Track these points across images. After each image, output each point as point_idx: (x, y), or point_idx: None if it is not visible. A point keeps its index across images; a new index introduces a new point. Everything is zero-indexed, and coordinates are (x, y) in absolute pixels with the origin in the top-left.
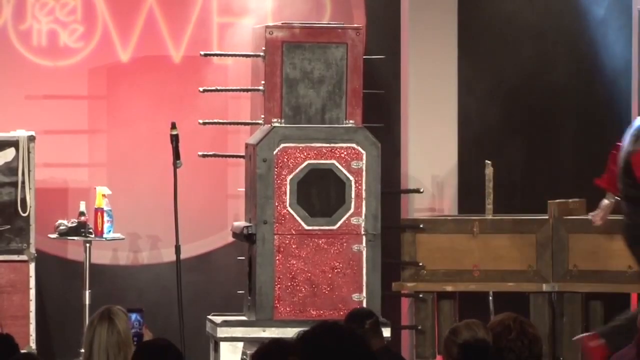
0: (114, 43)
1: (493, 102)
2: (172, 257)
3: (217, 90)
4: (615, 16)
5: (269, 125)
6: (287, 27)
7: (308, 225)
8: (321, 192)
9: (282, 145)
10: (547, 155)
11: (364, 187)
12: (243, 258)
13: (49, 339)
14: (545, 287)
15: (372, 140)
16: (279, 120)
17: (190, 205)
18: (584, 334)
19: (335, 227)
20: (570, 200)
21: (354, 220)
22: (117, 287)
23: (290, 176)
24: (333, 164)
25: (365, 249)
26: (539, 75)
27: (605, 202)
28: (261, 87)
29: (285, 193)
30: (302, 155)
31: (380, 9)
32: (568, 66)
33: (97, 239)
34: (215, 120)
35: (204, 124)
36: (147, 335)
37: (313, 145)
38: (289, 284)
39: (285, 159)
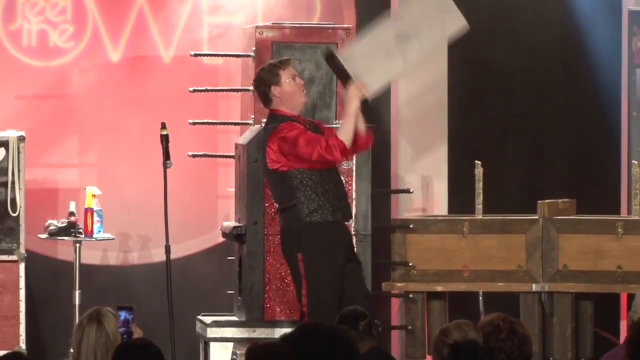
0: (104, 43)
1: (483, 103)
2: (162, 257)
3: (207, 90)
4: (606, 15)
5: (259, 125)
6: (277, 27)
7: None
8: None
9: None
10: (537, 156)
11: (354, 188)
12: (233, 258)
13: (39, 339)
14: (535, 287)
15: None
16: None
17: (180, 205)
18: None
19: None
20: (560, 200)
21: None
22: (107, 287)
23: None
24: None
25: (355, 249)
26: (530, 76)
27: None
28: (251, 87)
29: None
30: None
31: (371, 9)
32: (558, 67)
33: (87, 239)
34: (205, 121)
35: (194, 124)
36: (137, 333)
37: None
38: (279, 284)
39: None
